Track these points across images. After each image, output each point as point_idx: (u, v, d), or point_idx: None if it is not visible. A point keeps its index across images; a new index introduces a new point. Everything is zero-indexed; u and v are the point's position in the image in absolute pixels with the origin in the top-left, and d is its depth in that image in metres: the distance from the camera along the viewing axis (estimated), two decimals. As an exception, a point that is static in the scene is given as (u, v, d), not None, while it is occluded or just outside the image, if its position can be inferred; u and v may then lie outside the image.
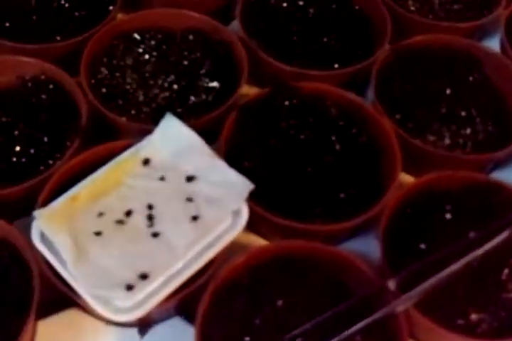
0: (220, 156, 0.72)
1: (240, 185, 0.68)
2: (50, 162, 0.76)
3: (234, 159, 0.73)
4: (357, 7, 0.92)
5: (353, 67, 0.83)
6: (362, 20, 0.91)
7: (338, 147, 0.75)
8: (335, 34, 0.88)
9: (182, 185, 0.69)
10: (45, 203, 0.70)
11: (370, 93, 0.81)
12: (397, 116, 0.80)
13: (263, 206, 0.69)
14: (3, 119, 0.80)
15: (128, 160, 0.71)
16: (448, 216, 0.70)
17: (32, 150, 0.78)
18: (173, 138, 0.72)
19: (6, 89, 0.83)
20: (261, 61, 0.83)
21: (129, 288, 0.62)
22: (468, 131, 0.79)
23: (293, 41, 0.87)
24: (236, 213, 0.67)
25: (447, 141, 0.79)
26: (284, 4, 0.91)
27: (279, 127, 0.77)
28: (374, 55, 0.84)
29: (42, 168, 0.76)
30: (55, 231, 0.66)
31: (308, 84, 0.80)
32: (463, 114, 0.81)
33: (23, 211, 0.73)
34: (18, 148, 0.78)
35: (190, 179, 0.69)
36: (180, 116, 0.77)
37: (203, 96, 0.81)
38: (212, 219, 0.66)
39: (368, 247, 0.71)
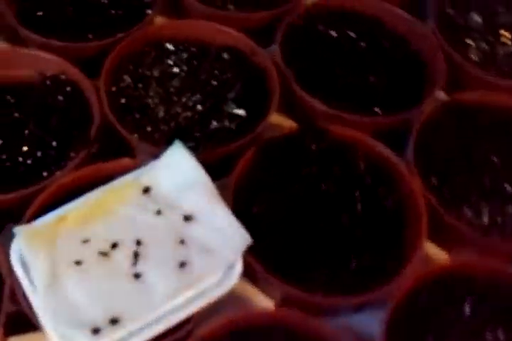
0: (228, 195, 0.67)
1: (239, 237, 0.62)
2: (53, 169, 0.72)
3: (242, 201, 0.68)
4: (413, 48, 0.84)
5: (394, 116, 0.75)
6: (416, 63, 0.82)
7: (359, 207, 0.68)
8: (383, 74, 0.80)
9: (178, 224, 0.63)
10: (33, 218, 0.65)
11: (408, 148, 0.72)
12: (433, 180, 0.71)
13: (263, 260, 0.63)
14: (16, 115, 0.76)
15: (127, 185, 0.66)
16: (467, 310, 0.62)
17: (39, 153, 0.74)
18: (178, 170, 0.66)
19: (25, 83, 0.78)
20: (294, 93, 0.76)
21: (95, 331, 0.58)
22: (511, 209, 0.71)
23: (335, 75, 0.79)
24: (229, 267, 0.61)
25: (485, 219, 0.69)
26: (333, 33, 0.83)
27: (298, 172, 0.70)
28: (420, 105, 0.76)
29: (45, 174, 0.71)
30: (34, 252, 0.62)
31: (340, 130, 0.73)
32: (508, 188, 0.71)
33: (13, 220, 0.67)
34: (25, 148, 0.74)
35: (187, 219, 0.63)
36: (197, 142, 0.73)
37: (226, 123, 0.74)
38: (202, 270, 0.61)
39: (369, 326, 0.63)
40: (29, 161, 0.73)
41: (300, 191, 0.69)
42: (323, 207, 0.68)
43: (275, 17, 0.82)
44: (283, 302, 0.67)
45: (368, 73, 0.80)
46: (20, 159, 0.73)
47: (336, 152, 0.72)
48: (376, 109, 0.78)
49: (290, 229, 0.67)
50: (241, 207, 0.67)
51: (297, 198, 0.68)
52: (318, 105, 0.74)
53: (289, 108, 0.80)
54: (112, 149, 0.75)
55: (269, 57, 0.79)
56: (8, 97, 0.77)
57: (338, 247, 0.66)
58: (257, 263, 0.62)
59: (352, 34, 0.84)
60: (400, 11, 0.85)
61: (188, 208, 0.64)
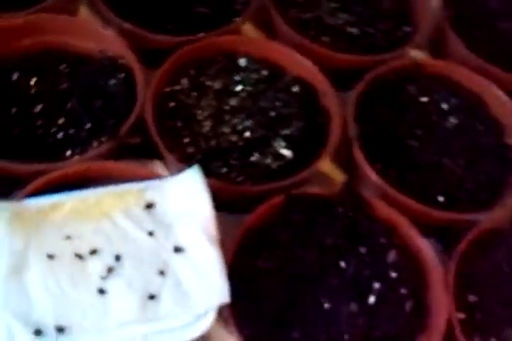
0: (236, 236, 0.61)
1: (219, 292, 0.55)
2: (78, 151, 0.67)
3: (249, 249, 0.61)
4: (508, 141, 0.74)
5: (460, 214, 0.66)
6: (506, 160, 0.72)
7: (371, 299, 0.59)
8: (463, 161, 0.70)
9: (164, 253, 0.57)
10: (29, 195, 0.61)
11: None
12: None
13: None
14: (64, 85, 0.72)
15: (133, 194, 0.60)
16: None
17: (71, 131, 0.70)
18: (187, 196, 0.60)
19: (84, 57, 0.75)
20: (352, 154, 0.68)
21: (38, 332, 0.53)
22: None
23: (407, 147, 0.70)
24: (198, 316, 0.55)
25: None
26: (424, 99, 0.75)
27: (320, 239, 0.62)
28: (491, 210, 0.66)
29: (68, 152, 0.68)
30: (12, 231, 0.57)
31: (385, 209, 0.64)
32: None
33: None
34: (61, 121, 0.70)
35: (177, 250, 0.57)
36: (229, 169, 0.66)
37: (268, 160, 0.68)
38: (168, 310, 0.54)
39: None
40: (60, 135, 0.69)
41: (316, 263, 0.61)
42: (333, 288, 0.60)
43: (365, 63, 0.74)
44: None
45: (446, 155, 0.71)
46: (53, 130, 0.70)
47: (369, 230, 0.63)
48: (440, 198, 0.68)
49: (286, 297, 0.59)
50: (245, 256, 0.61)
51: (309, 270, 0.61)
52: (375, 178, 0.66)
53: (341, 160, 0.73)
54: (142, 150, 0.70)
55: (340, 103, 0.71)
56: (64, 66, 0.74)
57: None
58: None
59: (444, 106, 0.75)
60: (505, 97, 0.75)
61: (182, 239, 0.58)
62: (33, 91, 0.72)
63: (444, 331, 0.59)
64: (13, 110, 0.70)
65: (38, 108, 0.71)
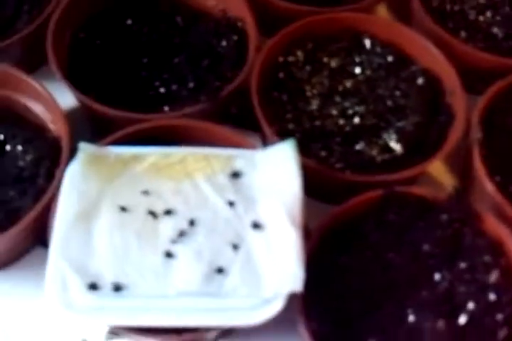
0: (319, 229, 0.55)
1: (294, 279, 0.48)
2: (175, 108, 0.64)
3: (334, 243, 0.55)
4: None
5: None
6: None
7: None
8: None
9: (242, 226, 0.52)
10: (113, 143, 0.58)
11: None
12: None
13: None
14: (176, 40, 0.69)
15: (220, 159, 0.56)
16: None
17: (174, 87, 0.67)
18: (277, 170, 0.54)
19: (201, 13, 0.71)
20: (471, 164, 0.60)
21: (93, 287, 0.49)
22: None
23: None
24: (265, 301, 0.49)
25: None
26: None
27: (415, 245, 0.55)
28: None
29: (166, 108, 0.64)
30: (87, 175, 0.54)
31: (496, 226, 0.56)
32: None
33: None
34: (166, 76, 0.67)
35: (256, 226, 0.51)
36: (329, 154, 0.60)
37: (373, 152, 0.61)
38: (234, 287, 0.49)
39: None
40: (161, 90, 0.66)
41: (406, 270, 0.54)
42: (421, 300, 0.52)
43: (505, 67, 0.66)
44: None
45: None
46: (156, 83, 0.67)
47: (473, 245, 0.55)
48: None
49: (367, 301, 0.52)
50: (327, 249, 0.55)
51: (397, 276, 0.53)
52: (491, 189, 0.58)
53: (456, 166, 0.66)
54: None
55: (467, 106, 0.63)
56: (179, 20, 0.70)
57: None
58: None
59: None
60: None
61: (262, 216, 0.52)
62: (144, 39, 0.69)
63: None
64: (122, 56, 0.68)
65: (146, 59, 0.68)
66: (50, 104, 0.62)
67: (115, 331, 0.58)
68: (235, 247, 0.51)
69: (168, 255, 0.50)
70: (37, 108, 0.64)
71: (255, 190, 0.55)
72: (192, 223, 0.52)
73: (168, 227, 0.52)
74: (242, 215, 0.53)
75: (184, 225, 0.52)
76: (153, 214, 0.52)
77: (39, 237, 0.59)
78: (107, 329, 0.58)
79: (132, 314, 0.48)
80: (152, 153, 0.56)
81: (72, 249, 0.51)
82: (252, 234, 0.52)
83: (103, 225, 0.52)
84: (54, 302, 0.48)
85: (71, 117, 0.63)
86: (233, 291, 0.49)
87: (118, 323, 0.49)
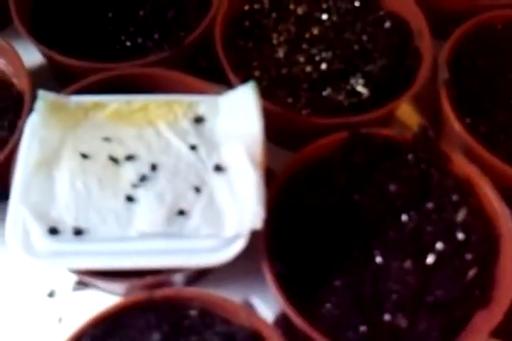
0: (285, 170, 0.55)
1: (254, 217, 0.48)
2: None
3: (300, 185, 0.55)
4: None
5: None
6: None
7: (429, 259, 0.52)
8: None
9: (204, 169, 0.51)
10: (75, 93, 0.57)
11: None
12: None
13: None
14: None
15: (182, 105, 0.55)
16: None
17: (139, 40, 0.66)
18: (239, 113, 0.54)
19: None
20: (440, 107, 0.60)
21: (53, 231, 0.48)
22: None
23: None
24: (228, 240, 0.49)
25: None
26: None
27: (382, 186, 0.54)
28: None
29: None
30: (48, 122, 0.53)
31: (466, 165, 0.56)
32: None
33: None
34: (131, 29, 0.67)
35: (218, 168, 0.51)
36: (296, 100, 0.60)
37: (340, 97, 0.60)
38: (197, 228, 0.48)
39: None
40: (128, 43, 0.66)
41: (373, 211, 0.54)
42: (388, 241, 0.52)
43: (472, 7, 0.65)
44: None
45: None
46: (122, 38, 0.66)
47: (440, 185, 0.55)
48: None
49: (334, 241, 0.52)
50: (294, 190, 0.54)
51: (364, 217, 0.53)
52: (459, 128, 0.57)
53: (423, 109, 0.66)
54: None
55: (434, 49, 0.62)
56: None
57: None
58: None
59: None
60: None
61: (225, 157, 0.52)
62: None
63: (507, 309, 0.50)
64: (87, 11, 0.67)
65: (111, 13, 0.67)
66: (13, 58, 0.62)
67: (83, 281, 0.58)
68: (197, 190, 0.50)
69: (130, 199, 0.50)
70: (1, 63, 0.64)
71: (218, 134, 0.54)
72: (154, 168, 0.51)
73: (129, 172, 0.51)
74: (205, 159, 0.52)
75: (146, 170, 0.51)
76: (114, 160, 0.52)
77: (1, 190, 0.59)
78: (74, 280, 0.58)
79: (94, 257, 0.48)
80: (114, 101, 0.56)
81: (33, 195, 0.50)
82: (214, 177, 0.51)
83: (64, 171, 0.51)
84: (15, 247, 0.48)
85: (38, 74, 0.63)
86: (195, 232, 0.48)
87: (80, 267, 0.49)
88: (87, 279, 0.56)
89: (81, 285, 0.58)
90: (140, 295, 0.49)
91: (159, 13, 0.66)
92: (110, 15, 0.67)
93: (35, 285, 0.58)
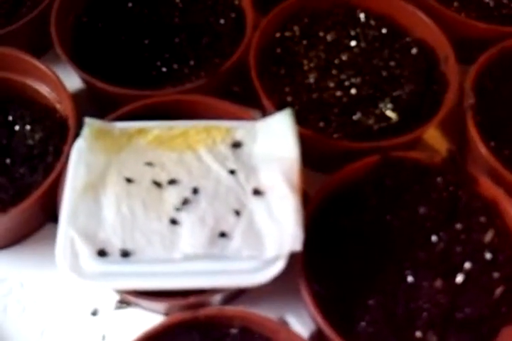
0: (319, 193, 0.57)
1: (293, 239, 0.50)
2: (176, 85, 0.66)
3: (334, 207, 0.57)
4: None
5: None
6: None
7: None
8: None
9: (243, 194, 0.54)
10: (117, 119, 0.60)
11: None
12: None
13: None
14: (176, 20, 0.71)
15: (221, 131, 0.58)
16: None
17: (175, 66, 0.69)
18: (276, 138, 0.56)
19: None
20: (466, 131, 0.62)
21: (102, 253, 0.51)
22: None
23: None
24: (267, 262, 0.51)
25: None
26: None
27: (412, 208, 0.57)
28: None
29: (168, 87, 0.66)
30: (95, 150, 0.56)
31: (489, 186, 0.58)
32: None
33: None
34: (167, 55, 0.70)
35: (256, 192, 0.53)
36: (327, 124, 0.62)
37: (370, 121, 0.63)
38: (237, 250, 0.51)
39: None
40: (164, 69, 0.68)
41: (404, 232, 0.56)
42: (419, 261, 0.55)
43: (497, 35, 0.67)
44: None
45: None
46: (158, 64, 0.69)
47: (468, 207, 0.57)
48: None
49: (367, 261, 0.55)
50: (328, 212, 0.57)
51: (396, 238, 0.56)
52: (485, 152, 0.59)
53: (451, 133, 0.68)
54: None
55: (459, 74, 0.64)
56: (178, 0, 0.72)
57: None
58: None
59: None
60: None
61: (263, 181, 0.54)
62: (144, 21, 0.71)
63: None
64: (124, 38, 0.70)
65: (148, 40, 0.70)
66: (56, 84, 0.64)
67: (125, 300, 0.61)
68: (237, 213, 0.53)
69: (173, 222, 0.52)
70: (44, 89, 0.67)
71: (255, 158, 0.56)
72: (195, 191, 0.54)
73: (172, 196, 0.54)
74: (244, 183, 0.55)
75: (187, 193, 0.54)
76: (157, 184, 0.54)
77: (50, 213, 0.62)
78: (116, 298, 0.61)
79: (140, 278, 0.51)
80: (155, 127, 0.58)
81: (81, 218, 0.53)
82: (253, 200, 0.54)
83: (110, 195, 0.54)
84: (65, 269, 0.51)
85: (77, 99, 0.65)
86: (236, 253, 0.51)
87: (126, 288, 0.52)
88: (129, 298, 0.59)
89: (123, 303, 0.61)
90: (185, 315, 0.51)
91: (194, 40, 0.69)
92: (147, 42, 0.70)
93: (80, 304, 0.61)
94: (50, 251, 0.52)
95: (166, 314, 0.60)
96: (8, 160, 0.62)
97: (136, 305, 0.61)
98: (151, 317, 0.60)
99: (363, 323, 0.53)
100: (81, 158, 0.56)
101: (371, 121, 0.63)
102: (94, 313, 0.61)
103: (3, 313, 0.61)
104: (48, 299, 0.62)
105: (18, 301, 0.62)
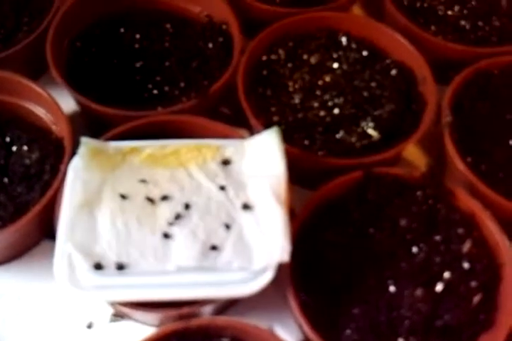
0: (306, 208, 0.60)
1: (281, 250, 0.53)
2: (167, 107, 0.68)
3: (319, 221, 0.60)
4: None
5: None
6: None
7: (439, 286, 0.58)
8: None
9: (233, 208, 0.56)
10: (111, 139, 0.63)
11: None
12: None
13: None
14: (166, 44, 0.75)
15: (211, 149, 0.60)
16: None
17: (166, 88, 0.72)
18: (263, 155, 0.59)
19: (189, 19, 0.76)
20: (444, 150, 0.65)
21: (98, 267, 0.53)
22: None
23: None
24: (257, 272, 0.53)
25: None
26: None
27: (393, 220, 0.60)
28: None
29: (160, 108, 0.69)
30: (90, 168, 0.59)
31: (469, 201, 0.61)
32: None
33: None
34: (158, 78, 0.73)
35: (245, 207, 0.56)
36: (311, 142, 0.65)
37: (352, 139, 0.66)
38: (229, 262, 0.54)
39: None
40: (155, 91, 0.72)
41: (386, 243, 0.59)
42: (400, 271, 0.57)
43: (472, 56, 0.71)
44: None
45: None
46: (150, 86, 0.72)
47: (446, 219, 0.60)
48: None
49: (351, 273, 0.57)
50: (314, 226, 0.60)
51: (378, 250, 0.59)
52: (462, 168, 0.62)
53: (429, 150, 0.71)
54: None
55: (438, 92, 0.68)
56: (168, 26, 0.76)
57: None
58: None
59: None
60: None
61: (251, 196, 0.57)
62: (136, 46, 0.74)
63: (509, 331, 0.55)
64: (116, 61, 0.73)
65: (139, 63, 0.73)
66: (52, 106, 0.67)
67: (119, 313, 0.63)
68: (227, 227, 0.55)
69: (166, 236, 0.55)
70: (40, 111, 0.69)
71: (244, 174, 0.59)
72: (187, 207, 0.57)
73: (165, 211, 0.56)
74: (233, 198, 0.57)
75: (180, 209, 0.56)
76: (150, 200, 0.57)
77: (46, 230, 0.64)
78: (111, 312, 0.63)
79: (135, 290, 0.53)
80: (149, 146, 0.61)
81: (78, 233, 0.55)
82: (242, 215, 0.56)
83: (105, 211, 0.56)
84: (63, 282, 0.53)
85: (72, 120, 0.68)
86: (227, 265, 0.53)
87: (122, 299, 0.54)
88: (123, 311, 0.61)
89: (117, 317, 0.63)
90: (177, 325, 0.54)
91: (184, 64, 0.73)
92: (138, 65, 0.73)
93: (76, 317, 0.63)
94: (47, 267, 0.55)
95: (159, 326, 0.62)
96: (6, 179, 0.65)
97: (130, 318, 0.63)
98: (145, 330, 0.62)
99: (348, 331, 0.56)
100: (77, 176, 0.59)
101: (354, 139, 0.66)
102: (90, 326, 0.63)
103: (1, 327, 0.63)
104: (44, 313, 0.64)
105: (15, 315, 0.64)
